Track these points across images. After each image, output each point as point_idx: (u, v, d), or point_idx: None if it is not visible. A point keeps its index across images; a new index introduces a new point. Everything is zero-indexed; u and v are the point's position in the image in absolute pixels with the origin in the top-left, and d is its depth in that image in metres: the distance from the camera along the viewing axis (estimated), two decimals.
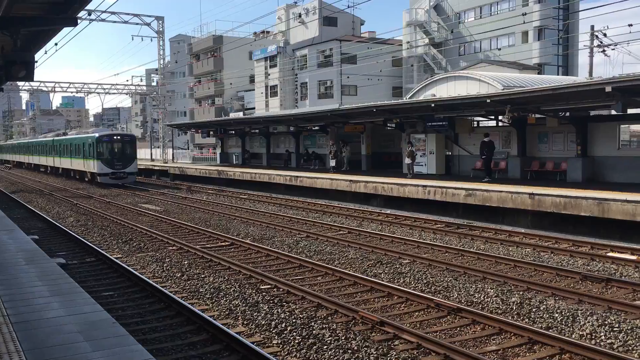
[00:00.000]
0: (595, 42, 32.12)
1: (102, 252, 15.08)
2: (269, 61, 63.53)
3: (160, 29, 52.52)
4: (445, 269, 12.87)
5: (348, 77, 55.88)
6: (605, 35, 32.12)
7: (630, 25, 27.99)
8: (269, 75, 63.17)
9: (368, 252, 14.98)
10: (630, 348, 7.96)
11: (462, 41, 54.82)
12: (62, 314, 7.12)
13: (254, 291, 11.35)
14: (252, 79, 67.79)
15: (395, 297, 10.82)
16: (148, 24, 51.27)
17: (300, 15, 61.14)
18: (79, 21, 10.90)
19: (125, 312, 10.03)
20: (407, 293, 10.81)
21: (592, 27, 33.85)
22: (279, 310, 10.00)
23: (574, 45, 49.18)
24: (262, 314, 9.78)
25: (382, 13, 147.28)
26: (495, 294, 10.69)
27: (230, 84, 69.32)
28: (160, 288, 11.11)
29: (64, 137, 49.85)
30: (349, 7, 51.61)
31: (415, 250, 15.40)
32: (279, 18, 69.73)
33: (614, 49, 30.81)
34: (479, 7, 54.23)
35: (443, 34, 56.51)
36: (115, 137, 40.13)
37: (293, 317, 9.61)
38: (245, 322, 9.44)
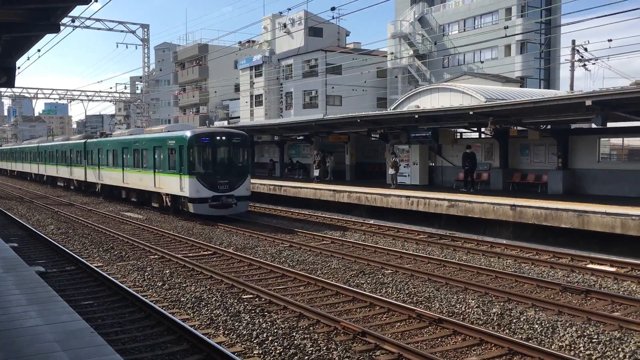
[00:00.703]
0: (577, 57, 32.62)
1: (83, 260, 14.91)
2: (254, 70, 63.56)
3: (145, 37, 52.37)
4: (427, 280, 12.91)
5: (333, 88, 56.07)
6: (586, 49, 32.67)
7: (609, 40, 28.54)
8: (254, 84, 63.19)
9: (351, 262, 14.99)
10: (608, 359, 8.04)
11: (446, 53, 55.33)
12: (40, 323, 7.03)
13: (235, 301, 11.29)
14: (237, 88, 67.76)
15: (377, 308, 10.83)
16: (133, 32, 51.13)
17: (285, 25, 61.33)
18: (61, 28, 10.83)
19: (105, 322, 9.92)
20: (389, 303, 10.82)
21: (573, 41, 34.39)
22: (261, 320, 9.96)
23: (555, 59, 49.86)
24: (244, 324, 9.73)
25: (368, 24, 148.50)
26: (476, 305, 10.74)
27: (215, 92, 69.22)
28: (141, 297, 11.01)
29: (108, 137, 35.25)
30: (333, 17, 51.87)
31: (397, 260, 15.43)
32: (264, 28, 69.94)
33: (594, 64, 31.32)
34: (463, 20, 54.83)
35: (427, 46, 57.01)
36: (219, 138, 24.31)
37: (274, 327, 9.57)
38: (226, 332, 9.38)
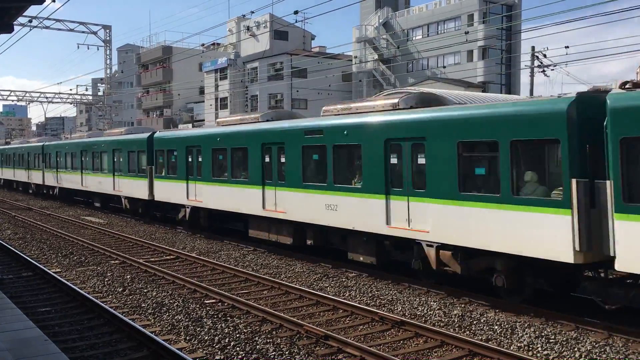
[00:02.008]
0: (536, 63, 33.32)
1: (40, 266, 14.55)
2: (219, 73, 63.12)
3: (108, 38, 51.57)
4: (390, 282, 12.99)
5: (297, 91, 56.10)
6: (545, 56, 33.36)
7: (566, 47, 29.23)
8: (219, 87, 62.75)
9: (315, 266, 14.98)
10: (565, 359, 8.21)
11: (410, 58, 55.92)
12: None
13: (197, 306, 11.17)
14: (201, 91, 67.16)
15: (341, 311, 10.85)
16: (95, 33, 50.30)
17: (248, 28, 61.10)
18: (15, 28, 10.56)
19: (62, 329, 9.69)
20: (353, 306, 10.86)
21: (533, 48, 35.07)
22: (223, 325, 9.87)
23: (516, 65, 50.85)
24: (206, 329, 9.63)
25: (333, 28, 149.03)
26: (438, 307, 10.85)
27: (178, 94, 68.49)
28: (100, 303, 10.79)
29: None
30: (296, 21, 51.94)
31: (361, 264, 15.45)
32: (229, 30, 69.53)
33: (553, 70, 32.04)
34: (427, 26, 55.49)
35: (392, 50, 57.54)
36: None
37: (237, 331, 9.50)
38: (187, 338, 9.27)
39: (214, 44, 71.60)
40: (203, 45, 45.52)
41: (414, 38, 56.37)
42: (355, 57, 57.68)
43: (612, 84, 12.01)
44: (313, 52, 61.86)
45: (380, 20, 58.16)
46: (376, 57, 57.11)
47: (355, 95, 58.07)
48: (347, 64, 57.76)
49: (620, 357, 8.18)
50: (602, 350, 8.42)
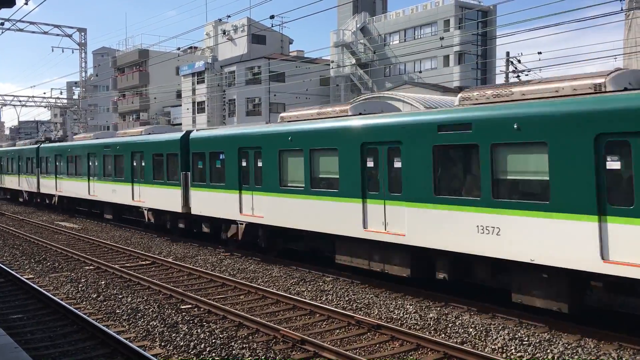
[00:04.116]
0: (511, 68, 33.82)
1: (12, 272, 14.30)
2: (196, 77, 62.76)
3: (83, 41, 50.97)
4: (367, 287, 13.02)
5: (275, 95, 56.05)
6: (519, 61, 33.86)
7: (539, 53, 29.73)
8: (197, 91, 62.41)
9: (292, 270, 14.96)
10: None
11: (387, 63, 56.27)
12: None
13: (173, 311, 11.08)
14: (179, 95, 66.73)
15: (318, 315, 10.85)
16: (69, 36, 49.64)
17: (224, 32, 60.87)
18: None
19: (34, 336, 9.54)
20: (329, 311, 10.87)
21: (508, 53, 35.59)
22: (199, 330, 9.81)
23: (491, 70, 51.53)
24: (181, 335, 9.56)
25: (311, 33, 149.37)
26: (414, 310, 10.92)
27: (154, 98, 67.96)
28: (73, 309, 10.65)
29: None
30: (272, 25, 51.82)
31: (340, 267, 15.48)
32: (207, 34, 69.18)
33: (527, 75, 32.52)
34: (404, 31, 55.91)
35: (369, 55, 57.83)
36: None
37: (213, 337, 9.44)
38: (163, 344, 9.19)
39: (191, 48, 71.22)
40: (179, 49, 45.06)
41: (391, 43, 56.77)
42: (333, 61, 57.88)
43: None
44: (291, 56, 61.88)
45: (358, 25, 58.46)
46: (354, 61, 57.36)
47: (333, 99, 58.22)
48: (325, 69, 57.89)
49: (592, 358, 8.31)
50: (574, 351, 8.55)
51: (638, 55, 29.74)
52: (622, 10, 20.26)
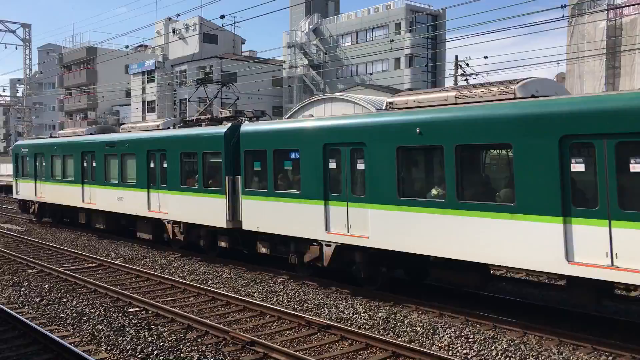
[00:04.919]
0: (460, 71, 34.54)
1: None
2: (146, 75, 61.70)
3: (27, 37, 49.38)
4: (318, 287, 13.07)
5: (226, 95, 55.61)
6: (467, 65, 34.60)
7: (485, 57, 30.54)
8: (147, 90, 61.32)
9: (243, 272, 14.87)
10: (482, 357, 8.54)
11: (340, 64, 56.64)
12: None
13: (120, 315, 10.86)
14: (128, 93, 65.41)
15: (268, 316, 10.84)
16: (13, 31, 48.01)
17: (174, 31, 60.03)
18: None
19: None
20: (279, 312, 10.87)
21: (456, 57, 36.37)
22: (147, 333, 9.65)
23: (441, 73, 52.56)
24: (128, 339, 9.38)
25: (263, 33, 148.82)
26: (363, 310, 11.03)
27: (102, 97, 66.41)
28: (14, 314, 10.30)
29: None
30: (223, 25, 51.35)
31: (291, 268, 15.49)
32: (157, 32, 68.07)
33: (475, 78, 33.26)
34: (356, 33, 56.42)
35: (322, 56, 58.08)
36: None
37: (161, 340, 9.31)
38: (109, 348, 9.00)
39: (141, 46, 69.90)
40: (127, 47, 44.14)
41: (343, 45, 57.17)
42: (285, 62, 57.90)
43: None
44: (243, 56, 61.56)
45: (310, 26, 58.63)
46: (306, 62, 57.49)
47: (286, 100, 58.23)
48: (278, 69, 57.85)
49: (534, 354, 8.59)
50: (517, 348, 8.81)
51: (580, 61, 30.88)
52: (563, 17, 21.00)
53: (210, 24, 56.15)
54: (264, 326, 10.32)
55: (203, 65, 57.65)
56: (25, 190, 25.69)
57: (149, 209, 17.70)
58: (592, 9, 31.20)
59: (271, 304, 11.48)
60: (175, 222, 16.94)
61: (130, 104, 64.71)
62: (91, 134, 22.20)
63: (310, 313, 10.91)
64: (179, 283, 13.45)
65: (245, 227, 14.54)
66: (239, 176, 14.69)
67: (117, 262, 16.12)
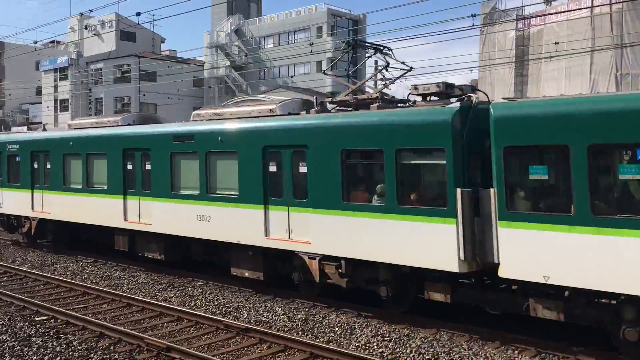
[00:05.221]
0: (379, 76, 35.24)
1: None
2: (59, 73, 59.00)
3: None
4: (237, 290, 12.96)
5: (144, 95, 54.18)
6: (387, 69, 35.37)
7: (402, 62, 31.20)
8: (59, 87, 58.64)
9: (160, 276, 14.51)
10: (397, 355, 8.76)
11: (262, 66, 56.41)
12: None
13: (26, 324, 10.32)
14: (39, 91, 62.30)
15: (185, 321, 10.64)
16: None
17: (86, 27, 57.74)
18: None
19: None
20: (197, 316, 10.70)
21: (376, 62, 37.05)
22: (55, 343, 9.22)
23: (361, 77, 53.40)
24: (34, 349, 8.93)
25: (184, 32, 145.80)
26: (282, 312, 11.04)
27: (9, 94, 62.90)
28: None
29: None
30: (139, 22, 49.95)
31: (207, 274, 15.23)
32: (71, 28, 65.30)
33: (393, 82, 34.00)
34: (278, 35, 56.36)
35: (244, 57, 57.64)
36: None
37: (70, 349, 8.92)
38: (13, 359, 8.53)
39: (53, 42, 66.82)
40: (35, 42, 41.94)
41: (265, 46, 57.01)
42: (207, 63, 57.06)
43: None
44: (163, 55, 60.14)
45: (232, 27, 58.06)
46: (228, 63, 56.88)
47: (207, 101, 57.33)
48: (199, 69, 56.89)
49: (446, 350, 8.89)
50: (430, 345, 9.10)
51: (491, 68, 32.27)
52: (473, 25, 21.86)
53: (127, 21, 54.37)
54: (181, 331, 10.13)
55: (120, 64, 55.84)
56: (13, 202, 19.07)
57: (266, 235, 12.04)
58: (503, 19, 32.64)
59: (189, 309, 11.29)
60: (324, 258, 11.26)
61: (41, 102, 61.70)
62: (129, 124, 16.41)
63: (229, 317, 10.81)
64: (91, 289, 12.96)
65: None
66: (491, 190, 8.98)
67: (24, 268, 15.37)
